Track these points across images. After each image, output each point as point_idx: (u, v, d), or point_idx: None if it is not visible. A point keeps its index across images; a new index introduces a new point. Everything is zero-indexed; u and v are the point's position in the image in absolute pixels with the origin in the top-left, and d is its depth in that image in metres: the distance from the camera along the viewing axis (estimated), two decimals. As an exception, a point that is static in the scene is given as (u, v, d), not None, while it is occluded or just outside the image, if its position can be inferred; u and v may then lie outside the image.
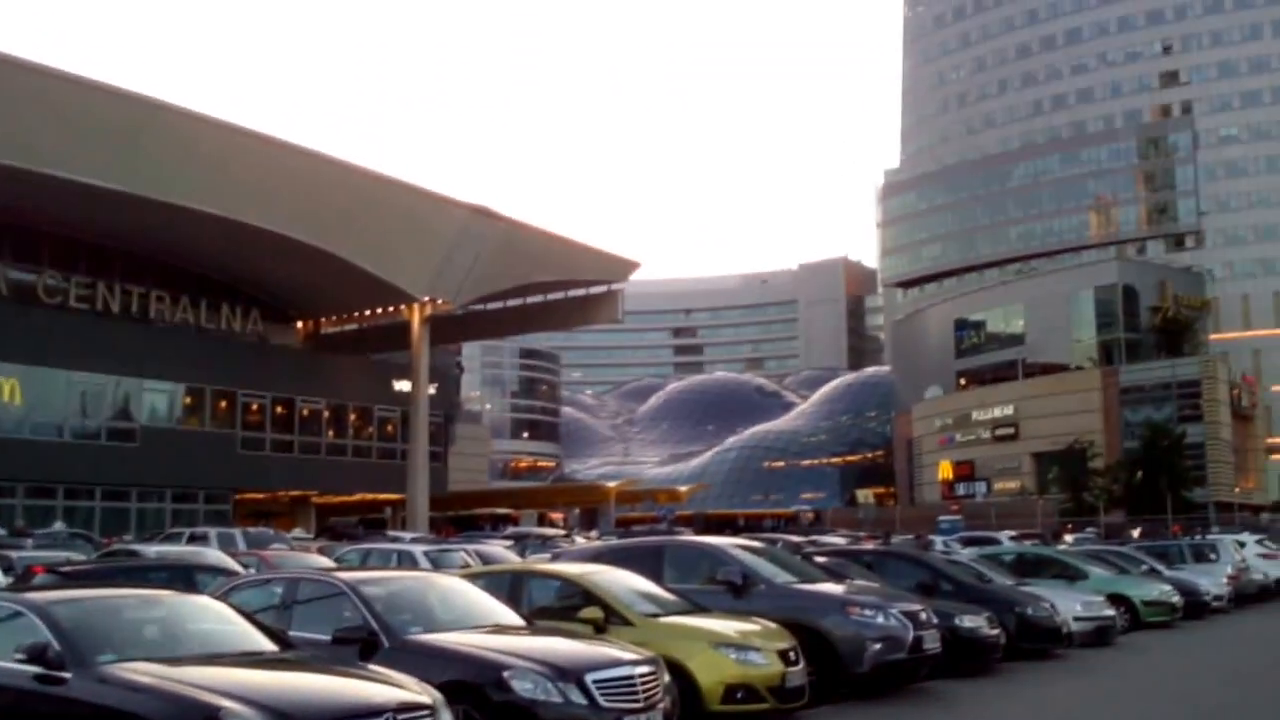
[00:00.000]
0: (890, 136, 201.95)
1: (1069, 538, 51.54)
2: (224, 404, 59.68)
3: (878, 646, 13.96)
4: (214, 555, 22.38)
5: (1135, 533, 58.74)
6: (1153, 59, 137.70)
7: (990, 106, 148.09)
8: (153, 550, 24.26)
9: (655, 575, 14.55)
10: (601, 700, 9.79)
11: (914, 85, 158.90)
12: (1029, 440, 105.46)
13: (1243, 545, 35.44)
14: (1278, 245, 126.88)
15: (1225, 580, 29.69)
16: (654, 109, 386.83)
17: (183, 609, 10.05)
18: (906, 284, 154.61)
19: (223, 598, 10.98)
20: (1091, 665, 18.09)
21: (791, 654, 12.45)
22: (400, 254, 56.63)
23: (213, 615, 9.97)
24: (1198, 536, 40.07)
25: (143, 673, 8.17)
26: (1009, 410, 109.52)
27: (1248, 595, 31.16)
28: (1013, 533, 49.58)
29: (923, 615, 14.79)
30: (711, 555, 15.88)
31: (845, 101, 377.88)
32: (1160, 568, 28.55)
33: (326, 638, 10.41)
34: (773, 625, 13.01)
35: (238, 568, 18.94)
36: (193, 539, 34.87)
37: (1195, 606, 26.51)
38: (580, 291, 69.09)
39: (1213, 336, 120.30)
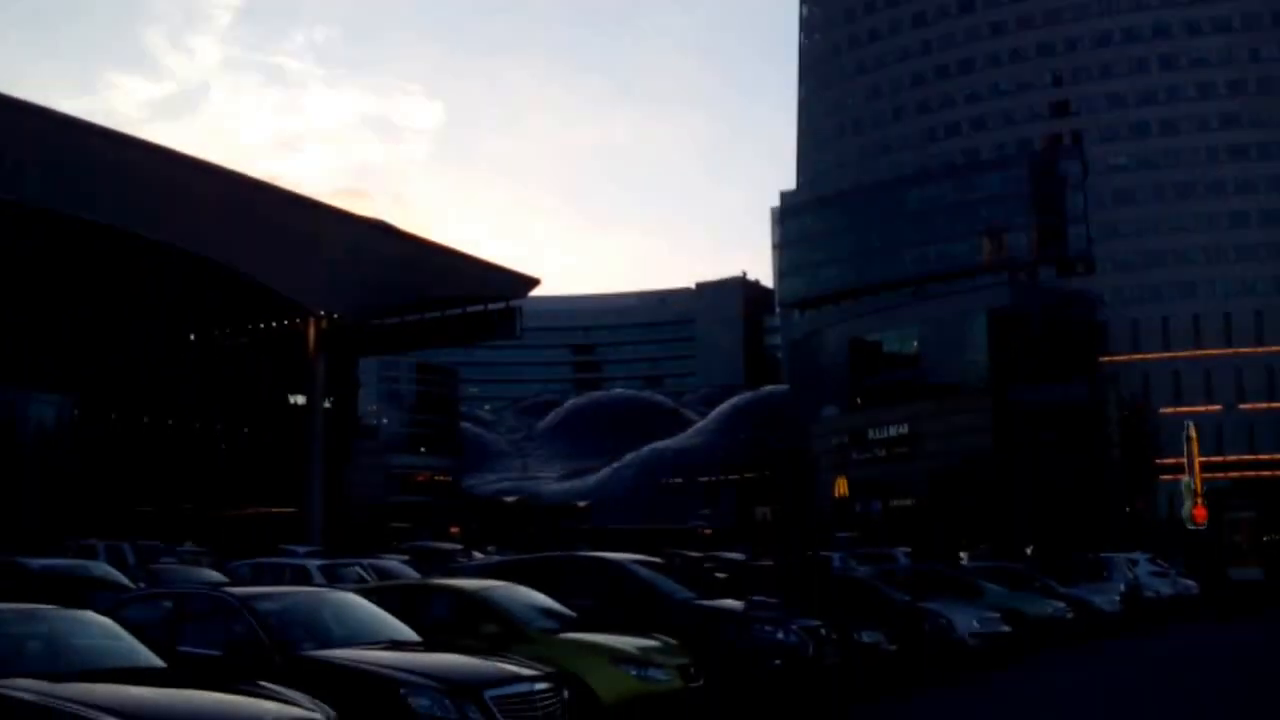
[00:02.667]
0: (787, 159, 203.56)
1: (964, 555, 52.05)
2: (114, 416, 58.40)
3: (778, 661, 13.90)
4: (101, 568, 21.80)
5: (1029, 550, 59.52)
6: (1043, 89, 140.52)
7: (885, 132, 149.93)
8: (38, 563, 23.56)
9: (554, 591, 14.37)
10: (500, 717, 9.61)
11: (810, 110, 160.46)
12: (924, 459, 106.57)
13: (1135, 563, 36.03)
14: (1165, 271, 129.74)
15: (1118, 597, 30.11)
16: (553, 127, 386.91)
17: (66, 624, 9.67)
18: (804, 305, 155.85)
19: (110, 613, 10.62)
20: (989, 680, 18.22)
21: (692, 670, 12.34)
22: (297, 267, 55.96)
23: (99, 631, 9.65)
24: (1091, 554, 40.67)
25: (23, 689, 7.87)
26: (904, 429, 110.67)
27: (1140, 612, 31.64)
28: (908, 549, 49.94)
29: (822, 631, 14.77)
30: (611, 571, 15.74)
31: (743, 125, 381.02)
32: (1054, 585, 28.88)
33: (217, 653, 10.12)
34: (673, 641, 12.89)
35: (126, 582, 18.45)
36: (80, 552, 33.95)
37: (1089, 623, 26.85)
38: (479, 308, 68.68)
39: (1103, 359, 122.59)
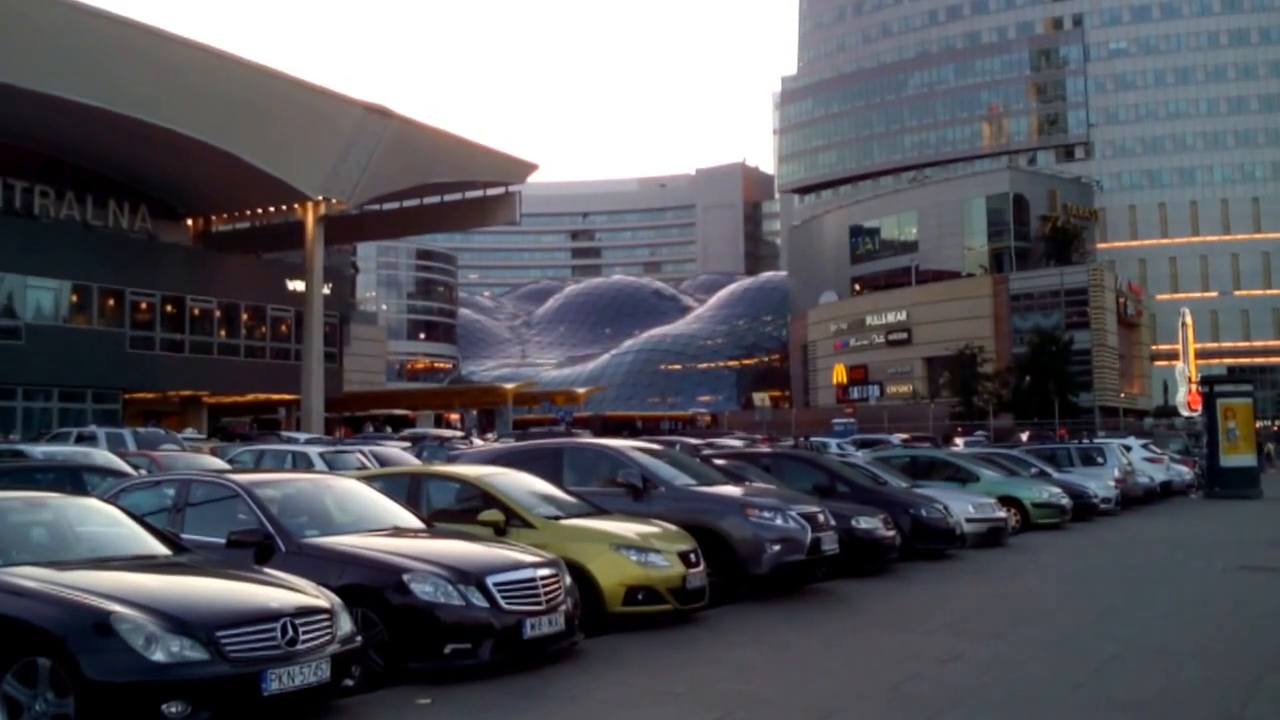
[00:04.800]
0: (788, 43, 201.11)
1: (959, 441, 52.48)
2: (112, 302, 58.24)
3: (776, 548, 14.01)
4: (103, 456, 21.87)
5: (1024, 437, 59.98)
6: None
7: (886, 15, 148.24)
8: (39, 450, 23.71)
9: (555, 478, 14.47)
10: (503, 602, 9.69)
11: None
12: (921, 345, 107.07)
13: (1129, 449, 36.28)
14: (1164, 158, 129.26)
15: (1112, 483, 30.37)
16: (552, 12, 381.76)
17: (70, 511, 9.69)
18: (803, 190, 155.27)
19: (112, 500, 10.69)
20: (985, 565, 18.45)
21: (692, 556, 12.44)
22: (294, 152, 55.50)
23: (102, 518, 9.70)
24: (1086, 440, 40.96)
25: (29, 577, 7.91)
26: (902, 316, 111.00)
27: (1134, 498, 31.95)
28: (904, 436, 50.35)
29: (820, 517, 14.87)
30: (611, 458, 15.81)
31: (744, 7, 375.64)
32: (1049, 471, 29.13)
33: (220, 541, 10.17)
34: (672, 527, 12.99)
35: (128, 469, 18.53)
36: (80, 439, 34.15)
37: (1083, 509, 27.14)
38: (477, 193, 68.38)
39: (1100, 246, 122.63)
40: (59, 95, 45.38)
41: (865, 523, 16.52)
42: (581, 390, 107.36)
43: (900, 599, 14.85)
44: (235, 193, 61.12)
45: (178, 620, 7.45)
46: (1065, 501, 25.76)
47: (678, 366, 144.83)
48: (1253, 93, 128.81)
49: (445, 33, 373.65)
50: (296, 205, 60.52)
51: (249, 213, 66.09)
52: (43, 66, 44.45)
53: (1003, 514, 21.99)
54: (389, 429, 63.73)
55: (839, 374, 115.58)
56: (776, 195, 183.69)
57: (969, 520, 20.33)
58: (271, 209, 63.60)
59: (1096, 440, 40.03)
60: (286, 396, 66.26)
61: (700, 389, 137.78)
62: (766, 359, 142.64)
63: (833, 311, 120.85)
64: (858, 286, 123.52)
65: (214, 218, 67.78)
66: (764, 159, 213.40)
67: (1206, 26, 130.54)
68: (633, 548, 12.08)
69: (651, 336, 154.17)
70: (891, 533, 16.93)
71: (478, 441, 40.67)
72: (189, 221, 67.28)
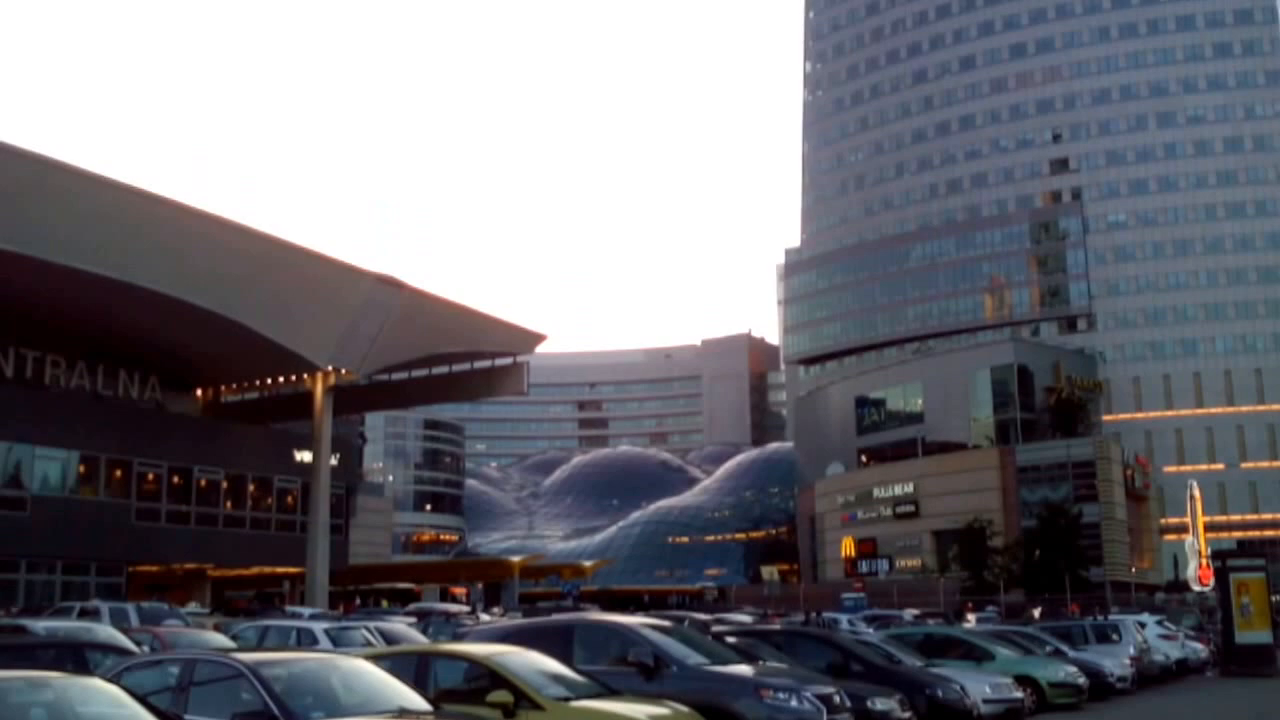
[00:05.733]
0: (791, 215, 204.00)
1: (971, 617, 51.77)
2: (119, 473, 58.11)
3: (792, 731, 13.73)
4: (106, 632, 21.60)
5: (1036, 612, 59.17)
6: (1043, 146, 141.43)
7: (888, 189, 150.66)
8: (41, 626, 23.39)
9: (565, 656, 14.26)
10: (512, 789, 9.46)
11: (814, 167, 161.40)
12: (929, 518, 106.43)
13: (1144, 626, 35.70)
14: (1165, 329, 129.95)
15: (1128, 661, 29.81)
16: (563, 184, 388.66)
17: (72, 692, 9.52)
18: (808, 361, 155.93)
19: (115, 680, 10.49)
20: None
21: (705, 740, 12.19)
22: (304, 322, 55.72)
23: (104, 699, 9.52)
24: (1099, 617, 40.36)
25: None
26: (909, 488, 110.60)
27: (1150, 676, 31.34)
28: (916, 611, 49.72)
29: (836, 698, 14.59)
30: (622, 635, 15.58)
31: (748, 180, 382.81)
32: (1065, 648, 28.61)
33: (224, 722, 9.97)
34: (684, 709, 12.74)
35: (131, 646, 18.26)
36: (84, 614, 33.70)
37: (1100, 688, 26.57)
38: (485, 363, 68.58)
39: (1105, 418, 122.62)
40: (70, 265, 45.77)
41: (881, 704, 16.19)
42: (589, 564, 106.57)
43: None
44: (245, 363, 61.30)
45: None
46: (1082, 681, 25.25)
47: (685, 539, 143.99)
48: (1251, 264, 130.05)
49: (457, 203, 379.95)
50: (306, 375, 60.63)
51: (258, 383, 66.23)
52: (54, 237, 44.90)
53: (1019, 694, 21.53)
54: (385, 603, 62.98)
55: (847, 547, 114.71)
56: (782, 366, 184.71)
57: (986, 701, 19.92)
58: (281, 379, 63.72)
59: (1111, 617, 39.39)
60: (291, 569, 65.64)
61: (708, 562, 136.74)
62: (774, 531, 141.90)
63: (840, 484, 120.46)
64: (864, 458, 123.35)
65: (223, 388, 67.92)
66: (769, 329, 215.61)
67: (1203, 200, 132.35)
68: (646, 732, 11.84)
69: (659, 508, 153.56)
70: (907, 714, 16.59)
71: (484, 616, 40.21)
72: (198, 391, 67.44)
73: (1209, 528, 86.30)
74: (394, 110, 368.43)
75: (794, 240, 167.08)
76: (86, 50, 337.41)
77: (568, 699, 12.43)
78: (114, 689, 9.78)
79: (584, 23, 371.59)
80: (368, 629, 25.40)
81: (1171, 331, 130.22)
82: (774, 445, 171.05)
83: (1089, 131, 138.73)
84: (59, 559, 55.00)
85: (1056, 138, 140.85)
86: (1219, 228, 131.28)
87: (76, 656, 15.08)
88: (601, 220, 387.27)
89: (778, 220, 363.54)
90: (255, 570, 68.46)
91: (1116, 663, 28.91)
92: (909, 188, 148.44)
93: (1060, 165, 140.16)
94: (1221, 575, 36.36)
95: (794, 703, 14.05)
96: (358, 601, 68.22)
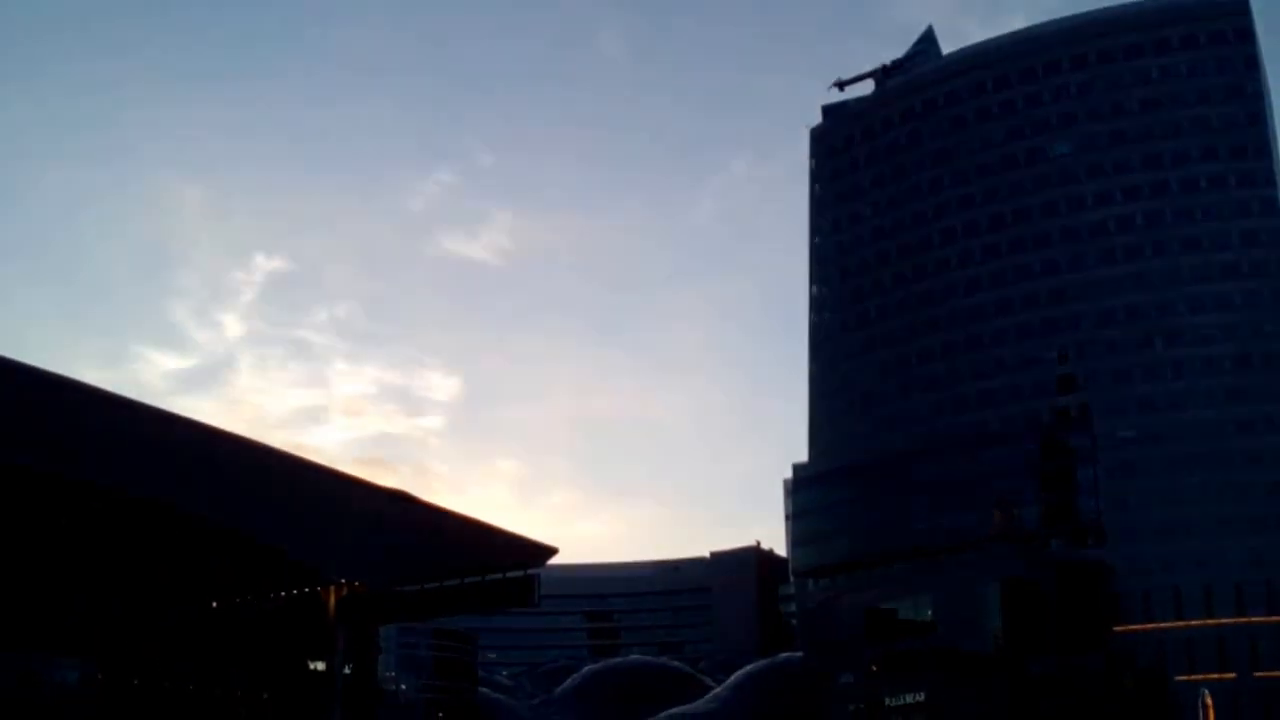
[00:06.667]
0: (800, 429, 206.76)
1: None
2: (136, 682, 59.03)
3: None
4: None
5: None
6: (1049, 365, 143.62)
7: (894, 407, 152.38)
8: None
9: None
10: None
11: (821, 385, 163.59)
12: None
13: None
14: (1176, 542, 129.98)
15: None
16: (569, 398, 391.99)
17: None
18: (817, 573, 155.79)
19: None
20: None
21: None
22: (317, 536, 57.04)
23: None
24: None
25: None
26: (920, 697, 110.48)
27: None
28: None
29: None
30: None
31: (756, 395, 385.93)
32: None
33: None
34: None
35: None
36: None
37: None
38: (497, 576, 69.49)
39: (1116, 629, 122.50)
40: (91, 481, 47.27)
41: None
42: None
43: None
44: (259, 575, 62.46)
45: None
46: None
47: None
48: (1261, 479, 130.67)
49: (465, 417, 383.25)
50: (319, 588, 61.77)
51: (272, 595, 67.30)
52: (74, 452, 46.50)
53: None
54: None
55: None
56: (791, 577, 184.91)
57: None
58: (294, 591, 64.85)
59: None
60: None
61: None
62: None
63: (851, 693, 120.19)
64: (874, 668, 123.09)
65: (237, 599, 69.03)
66: (777, 540, 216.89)
67: (1212, 416, 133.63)
68: None
69: (670, 716, 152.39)
70: None
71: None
72: (213, 603, 68.59)
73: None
74: (400, 309, 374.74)
75: (801, 455, 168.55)
76: None
77: None
78: None
79: (602, 239, 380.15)
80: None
81: (1182, 545, 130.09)
82: (784, 655, 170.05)
83: (1096, 350, 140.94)
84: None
85: (1063, 357, 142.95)
86: (1228, 442, 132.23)
87: None
88: (612, 434, 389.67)
89: (786, 434, 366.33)
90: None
91: None
92: (915, 406, 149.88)
93: (1067, 383, 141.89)
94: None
95: None
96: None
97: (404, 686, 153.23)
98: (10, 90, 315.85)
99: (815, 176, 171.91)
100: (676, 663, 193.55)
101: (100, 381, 52.79)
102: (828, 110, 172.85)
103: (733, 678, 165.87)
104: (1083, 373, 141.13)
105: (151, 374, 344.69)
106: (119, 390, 51.19)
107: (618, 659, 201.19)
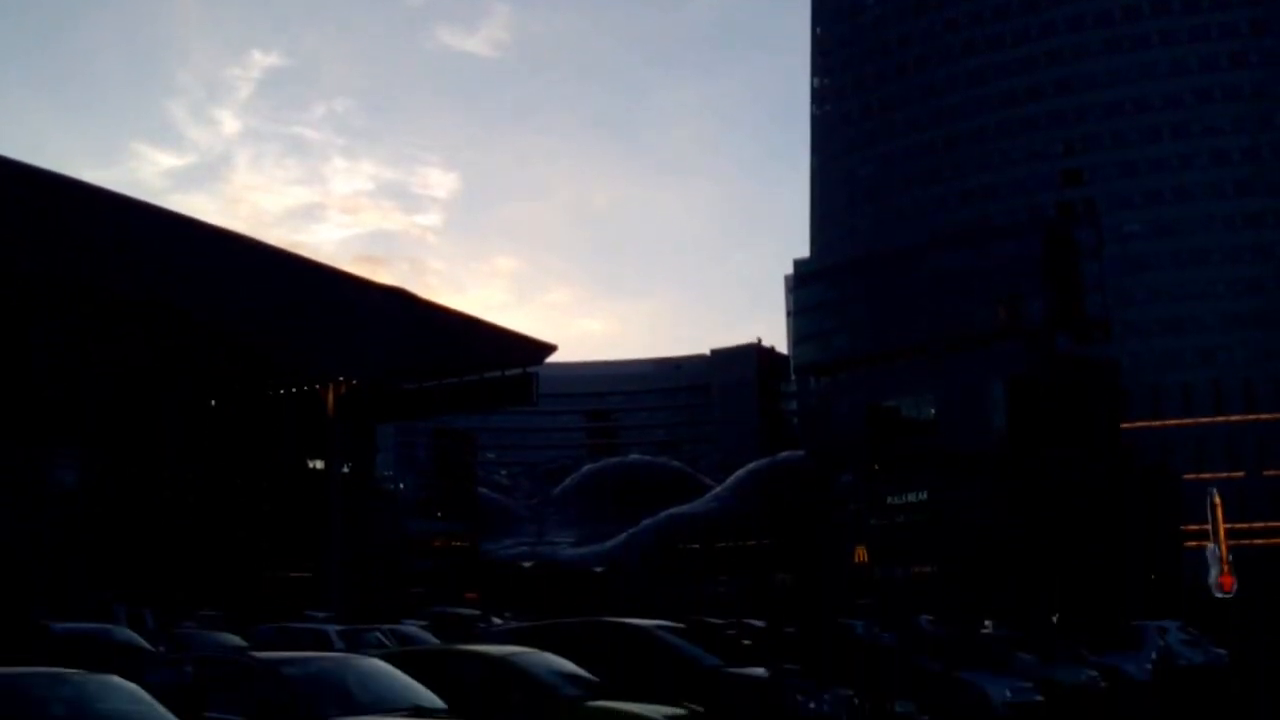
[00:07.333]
0: (801, 225, 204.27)
1: (988, 621, 51.44)
2: (135, 478, 58.30)
3: (811, 731, 13.57)
4: (124, 633, 21.60)
5: (1054, 618, 58.84)
6: (1055, 158, 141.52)
7: (898, 201, 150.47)
8: (61, 626, 23.34)
9: (579, 657, 14.04)
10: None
11: (823, 179, 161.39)
12: (943, 525, 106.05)
13: (1166, 631, 35.45)
14: (1184, 338, 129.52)
15: (1150, 665, 29.60)
16: (569, 195, 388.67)
17: (90, 688, 9.48)
18: (818, 371, 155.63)
19: (133, 677, 10.38)
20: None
21: (723, 740, 12.03)
22: (316, 334, 56.11)
23: (122, 696, 9.43)
24: (1121, 621, 40.09)
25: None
26: (923, 496, 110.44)
27: (1172, 680, 31.05)
28: (930, 617, 49.45)
29: (855, 701, 14.46)
30: (637, 637, 15.45)
31: (757, 191, 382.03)
32: (1085, 652, 28.36)
33: (242, 720, 9.87)
34: (701, 709, 12.59)
35: (148, 645, 18.23)
36: (102, 616, 33.62)
37: (1121, 692, 26.35)
38: (496, 374, 68.60)
39: (1123, 426, 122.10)
40: (94, 282, 46.01)
41: (900, 707, 16.09)
42: (599, 569, 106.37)
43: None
44: (259, 372, 61.55)
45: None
46: (1102, 685, 25.07)
47: (696, 545, 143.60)
48: (1270, 272, 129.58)
49: (464, 214, 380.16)
50: (318, 386, 60.85)
51: (271, 392, 66.38)
52: (79, 253, 45.13)
53: (1040, 696, 21.30)
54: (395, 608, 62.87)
55: (860, 554, 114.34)
56: (792, 375, 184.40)
57: (1006, 704, 19.75)
58: (294, 389, 63.94)
59: (1134, 622, 39.12)
60: (304, 574, 65.70)
61: (718, 568, 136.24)
62: (785, 539, 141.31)
63: (852, 491, 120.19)
64: (876, 466, 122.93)
65: (237, 396, 68.08)
66: (778, 338, 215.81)
67: (1221, 209, 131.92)
68: (664, 732, 11.70)
69: (669, 515, 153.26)
70: (926, 717, 16.44)
71: (496, 621, 40.13)
72: (213, 400, 67.59)
73: (1230, 535, 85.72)
74: (397, 105, 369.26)
75: (803, 250, 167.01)
76: None
77: (583, 699, 12.29)
78: (132, 686, 9.71)
79: (600, 34, 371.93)
80: (381, 631, 25.37)
81: (1190, 340, 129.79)
82: (785, 453, 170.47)
83: (1102, 143, 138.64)
84: (77, 561, 55.03)
85: (1069, 150, 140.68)
86: (1237, 236, 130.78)
87: (95, 655, 15.02)
88: (612, 232, 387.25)
89: (787, 230, 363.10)
90: (270, 575, 68.45)
91: (1138, 667, 28.72)
92: (919, 199, 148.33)
93: (1073, 176, 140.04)
94: (1243, 582, 35.94)
95: (812, 704, 13.92)
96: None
97: (402, 485, 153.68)
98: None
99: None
100: (676, 462, 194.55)
101: (99, 180, 50.84)
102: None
103: (732, 477, 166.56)
104: (1089, 166, 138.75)
105: (149, 172, 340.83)
106: (117, 189, 49.18)
107: (616, 458, 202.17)
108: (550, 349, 69.78)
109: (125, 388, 61.97)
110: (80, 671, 10.08)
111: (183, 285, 49.19)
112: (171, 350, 59.51)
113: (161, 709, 9.28)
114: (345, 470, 63.68)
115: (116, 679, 9.97)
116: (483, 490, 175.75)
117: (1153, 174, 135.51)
